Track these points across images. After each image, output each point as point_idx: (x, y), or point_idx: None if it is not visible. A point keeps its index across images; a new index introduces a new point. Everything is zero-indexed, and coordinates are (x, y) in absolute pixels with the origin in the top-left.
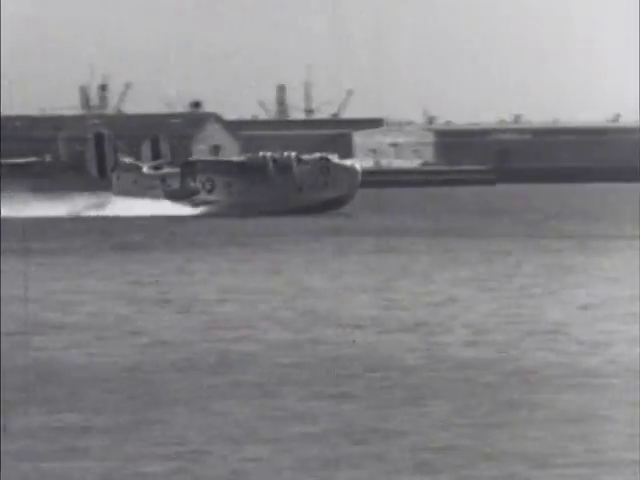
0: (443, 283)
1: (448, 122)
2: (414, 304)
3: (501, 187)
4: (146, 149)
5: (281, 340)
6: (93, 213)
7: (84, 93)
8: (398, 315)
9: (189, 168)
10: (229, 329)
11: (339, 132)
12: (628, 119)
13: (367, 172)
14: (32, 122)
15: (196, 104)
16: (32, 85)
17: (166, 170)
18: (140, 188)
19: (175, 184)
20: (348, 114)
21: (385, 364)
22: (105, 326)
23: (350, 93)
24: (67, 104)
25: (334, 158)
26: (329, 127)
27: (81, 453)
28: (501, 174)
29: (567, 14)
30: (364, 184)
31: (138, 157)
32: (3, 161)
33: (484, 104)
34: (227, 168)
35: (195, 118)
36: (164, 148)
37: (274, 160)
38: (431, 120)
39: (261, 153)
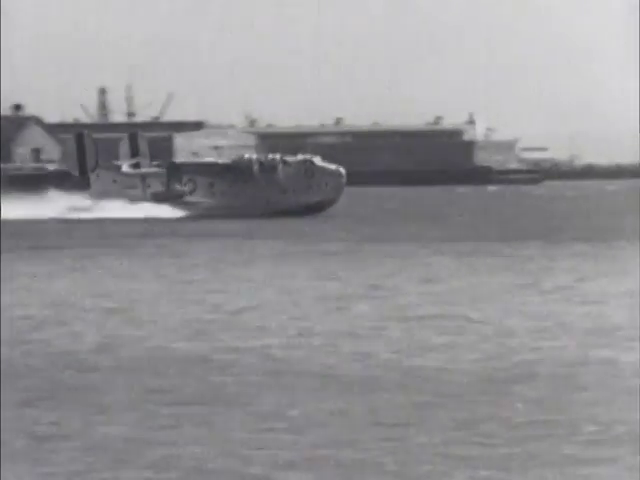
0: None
1: (270, 125)
2: None
3: None
4: (124, 147)
5: None
6: (75, 215)
7: None
8: None
9: (175, 170)
10: None
11: (160, 135)
12: (450, 122)
13: None
14: None
15: (17, 107)
16: None
17: (146, 169)
18: (119, 187)
19: (155, 184)
20: (169, 117)
21: None
22: None
23: (171, 96)
24: None
25: (318, 161)
26: (150, 130)
27: None
28: None
29: (381, 21)
30: None
31: (115, 155)
32: None
33: (306, 108)
34: (212, 170)
35: (15, 121)
36: (142, 146)
37: (260, 162)
38: (252, 123)
39: (247, 155)
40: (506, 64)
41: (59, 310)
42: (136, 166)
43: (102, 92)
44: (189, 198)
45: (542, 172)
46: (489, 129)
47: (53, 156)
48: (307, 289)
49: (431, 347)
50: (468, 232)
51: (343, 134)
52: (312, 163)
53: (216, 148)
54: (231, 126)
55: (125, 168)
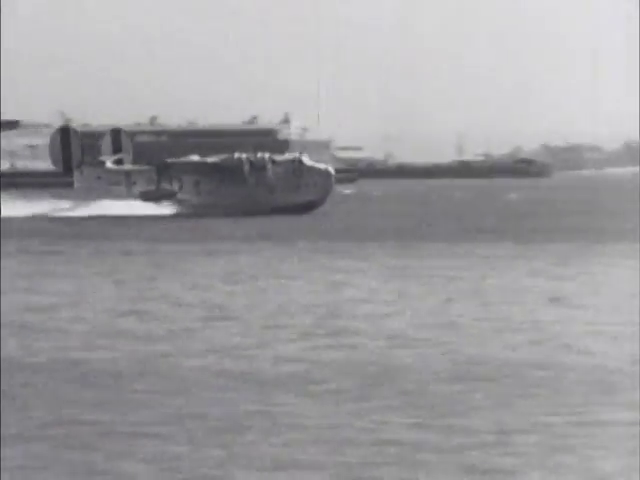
0: None
1: (86, 124)
2: None
3: None
4: (106, 143)
5: None
6: (61, 214)
7: None
8: None
9: (165, 169)
10: None
11: None
12: (265, 121)
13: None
14: None
15: None
16: None
17: (130, 166)
18: (103, 184)
19: (141, 182)
20: None
21: None
22: None
23: None
24: None
25: (307, 160)
26: None
27: None
28: None
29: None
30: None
31: (98, 151)
32: None
33: (122, 107)
34: (202, 169)
35: None
36: (125, 142)
37: (250, 161)
38: (67, 122)
39: (236, 154)
40: (326, 64)
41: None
42: (119, 162)
43: None
44: (180, 197)
45: (357, 171)
46: (304, 128)
47: None
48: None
49: None
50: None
51: (158, 133)
52: (301, 162)
53: (32, 147)
54: (47, 125)
55: (109, 165)
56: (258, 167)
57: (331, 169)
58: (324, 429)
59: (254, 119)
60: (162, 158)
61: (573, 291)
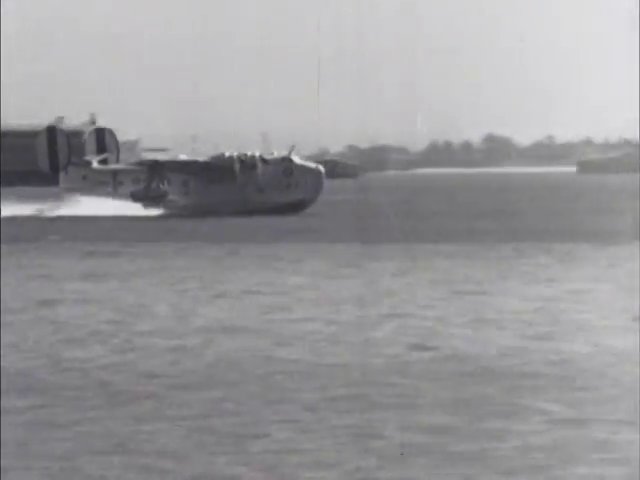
0: None
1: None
2: None
3: None
4: (90, 142)
5: None
6: (47, 213)
7: None
8: None
9: (156, 169)
10: None
11: None
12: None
13: None
14: None
15: None
16: None
17: (117, 166)
18: (89, 184)
19: (127, 181)
20: None
21: None
22: None
23: None
24: None
25: (297, 159)
26: None
27: None
28: None
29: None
30: None
31: (82, 150)
32: None
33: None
34: (193, 168)
35: None
36: (110, 141)
37: (241, 160)
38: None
39: (227, 153)
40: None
41: None
42: (103, 162)
43: None
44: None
45: None
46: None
47: None
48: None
49: None
50: None
51: None
52: (291, 161)
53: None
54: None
55: (95, 164)
56: (248, 166)
57: (321, 167)
58: None
59: (60, 119)
60: None
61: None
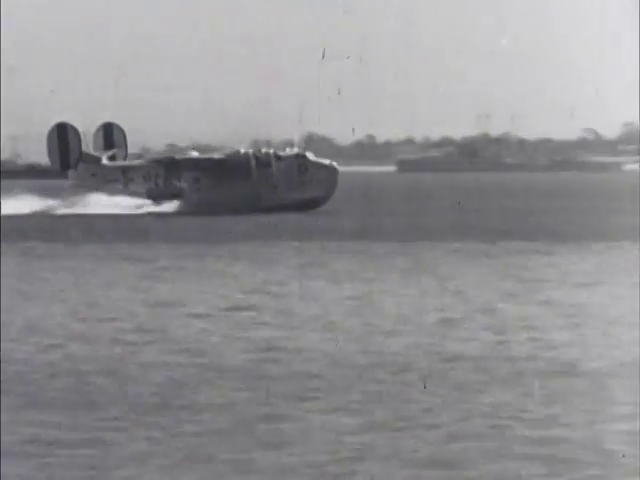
0: None
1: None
2: None
3: None
4: (98, 138)
5: None
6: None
7: None
8: None
9: (174, 166)
10: None
11: None
12: None
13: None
14: None
15: None
16: None
17: (127, 162)
18: (99, 181)
19: (138, 178)
20: None
21: None
22: None
23: None
24: None
25: (311, 156)
26: None
27: None
28: None
29: None
30: None
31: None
32: None
33: None
34: (209, 166)
35: None
36: (118, 137)
37: (256, 157)
38: None
39: (242, 150)
40: None
41: None
42: (112, 158)
43: None
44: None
45: None
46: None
47: None
48: None
49: None
50: None
51: None
52: (305, 158)
53: None
54: None
55: (105, 161)
56: (263, 163)
57: (336, 165)
58: None
59: None
60: None
61: None
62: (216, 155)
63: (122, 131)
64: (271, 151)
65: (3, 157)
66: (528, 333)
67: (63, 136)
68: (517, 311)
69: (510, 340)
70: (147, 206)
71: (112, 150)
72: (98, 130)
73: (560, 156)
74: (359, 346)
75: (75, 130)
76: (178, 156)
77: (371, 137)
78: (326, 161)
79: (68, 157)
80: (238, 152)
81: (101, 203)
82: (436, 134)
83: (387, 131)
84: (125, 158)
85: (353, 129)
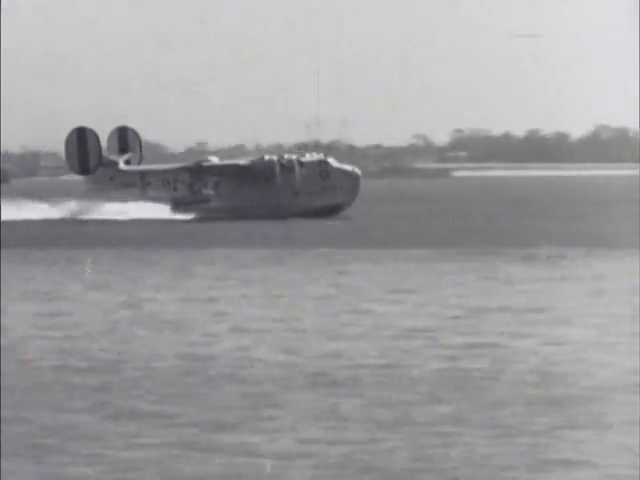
0: None
1: None
2: None
3: None
4: (112, 141)
5: None
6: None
7: None
8: None
9: (200, 172)
10: None
11: None
12: None
13: None
14: None
15: None
16: None
17: (145, 166)
18: (117, 185)
19: (156, 182)
20: None
21: None
22: None
23: None
24: None
25: (334, 161)
26: None
27: None
28: None
29: None
30: None
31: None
32: None
33: None
34: (234, 172)
35: None
36: (132, 141)
37: (281, 164)
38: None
39: (267, 156)
40: None
41: None
42: (127, 163)
43: None
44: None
45: None
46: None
47: None
48: None
49: None
50: None
51: None
52: (327, 164)
53: None
54: None
55: (122, 165)
56: (287, 169)
57: (358, 170)
58: None
59: None
60: None
61: None
62: (241, 161)
63: (137, 135)
64: (294, 157)
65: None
66: None
67: (82, 140)
68: None
69: None
70: (166, 212)
71: (127, 154)
72: (112, 134)
73: (390, 163)
74: None
75: (94, 134)
76: (205, 163)
77: (202, 144)
78: (348, 167)
79: (88, 162)
80: (262, 158)
81: (123, 209)
82: (267, 141)
83: (218, 139)
84: (140, 162)
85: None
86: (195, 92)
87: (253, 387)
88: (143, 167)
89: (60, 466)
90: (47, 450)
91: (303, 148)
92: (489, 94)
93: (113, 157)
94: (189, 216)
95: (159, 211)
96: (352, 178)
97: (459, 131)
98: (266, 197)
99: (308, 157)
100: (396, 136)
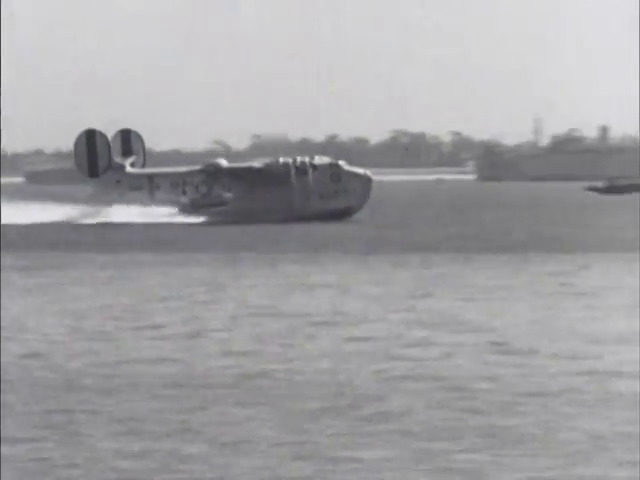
0: None
1: None
2: None
3: None
4: (115, 143)
5: None
6: (89, 220)
7: None
8: None
9: (216, 174)
10: None
11: None
12: None
13: None
14: None
15: None
16: None
17: (152, 169)
18: (124, 188)
19: (165, 186)
20: None
21: None
22: None
23: None
24: None
25: (345, 164)
26: None
27: None
28: None
29: None
30: None
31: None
32: None
33: None
34: (250, 175)
35: None
36: (135, 144)
37: (296, 167)
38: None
39: (282, 159)
40: None
41: None
42: (131, 165)
43: None
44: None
45: None
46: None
47: None
48: None
49: None
50: None
51: None
52: (338, 167)
53: None
54: None
55: (129, 168)
56: (301, 172)
57: (370, 174)
58: None
59: None
60: None
61: None
62: (256, 164)
63: (140, 137)
64: (307, 159)
65: None
66: None
67: (91, 143)
68: None
69: None
70: (176, 215)
71: (131, 157)
72: (116, 136)
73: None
74: None
75: (104, 137)
76: (222, 165)
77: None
78: (360, 170)
79: (97, 164)
80: (277, 161)
81: (133, 212)
82: (66, 146)
83: (13, 142)
84: (143, 165)
85: None
86: None
87: None
88: (151, 170)
89: None
90: None
91: None
92: (289, 101)
93: (118, 160)
94: (199, 219)
95: (169, 214)
96: (363, 181)
97: (257, 136)
98: (280, 200)
99: (318, 160)
100: (195, 142)
